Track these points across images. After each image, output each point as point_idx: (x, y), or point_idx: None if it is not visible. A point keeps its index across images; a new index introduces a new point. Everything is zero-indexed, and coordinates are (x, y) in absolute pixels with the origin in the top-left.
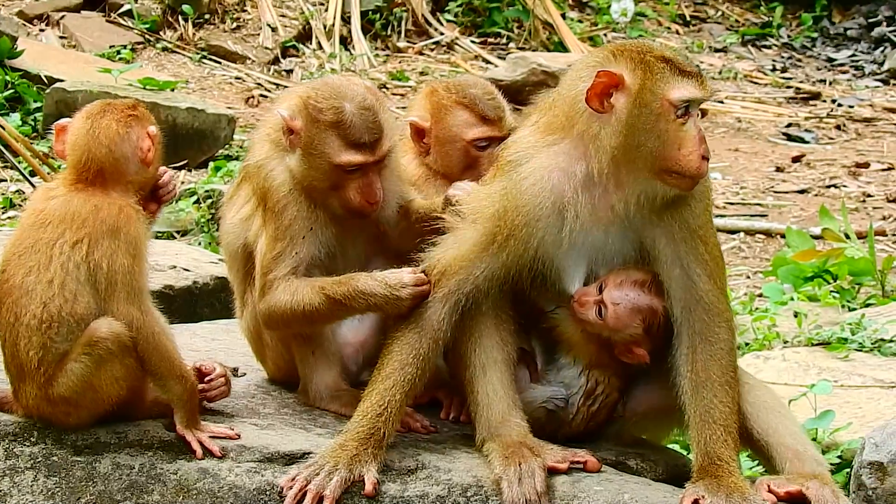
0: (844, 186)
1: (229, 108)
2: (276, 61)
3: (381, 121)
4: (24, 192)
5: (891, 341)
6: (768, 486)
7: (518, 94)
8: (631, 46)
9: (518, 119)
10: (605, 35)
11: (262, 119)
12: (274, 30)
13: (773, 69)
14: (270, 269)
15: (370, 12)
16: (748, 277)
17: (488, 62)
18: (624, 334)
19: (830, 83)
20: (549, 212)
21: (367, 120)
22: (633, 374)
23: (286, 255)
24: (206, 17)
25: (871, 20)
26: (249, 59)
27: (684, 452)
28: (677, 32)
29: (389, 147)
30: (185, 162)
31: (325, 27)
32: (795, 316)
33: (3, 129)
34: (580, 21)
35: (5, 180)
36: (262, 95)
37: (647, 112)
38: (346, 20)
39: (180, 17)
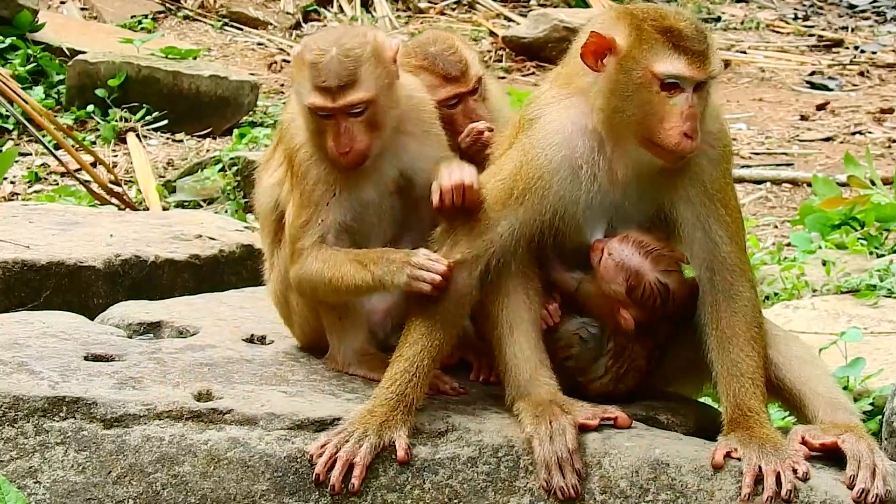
0: (869, 133)
1: (252, 74)
2: (297, 26)
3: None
4: (48, 166)
5: None
6: (802, 437)
7: (540, 51)
8: (636, 11)
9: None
10: None
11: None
12: None
13: (795, 18)
14: (298, 238)
15: None
16: (776, 227)
17: (510, 20)
18: (609, 288)
19: (852, 30)
20: (563, 165)
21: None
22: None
23: (313, 224)
24: None
25: None
26: (271, 24)
27: (715, 406)
28: None
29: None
30: (210, 130)
31: None
32: (824, 264)
33: (27, 102)
34: None
35: (30, 154)
36: (284, 61)
37: (628, 79)
38: None
39: None
